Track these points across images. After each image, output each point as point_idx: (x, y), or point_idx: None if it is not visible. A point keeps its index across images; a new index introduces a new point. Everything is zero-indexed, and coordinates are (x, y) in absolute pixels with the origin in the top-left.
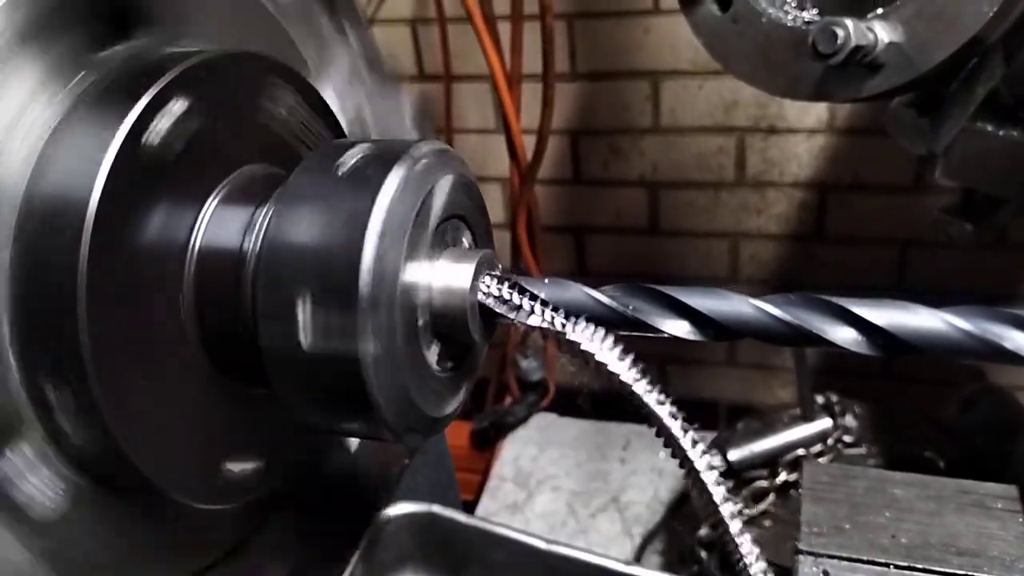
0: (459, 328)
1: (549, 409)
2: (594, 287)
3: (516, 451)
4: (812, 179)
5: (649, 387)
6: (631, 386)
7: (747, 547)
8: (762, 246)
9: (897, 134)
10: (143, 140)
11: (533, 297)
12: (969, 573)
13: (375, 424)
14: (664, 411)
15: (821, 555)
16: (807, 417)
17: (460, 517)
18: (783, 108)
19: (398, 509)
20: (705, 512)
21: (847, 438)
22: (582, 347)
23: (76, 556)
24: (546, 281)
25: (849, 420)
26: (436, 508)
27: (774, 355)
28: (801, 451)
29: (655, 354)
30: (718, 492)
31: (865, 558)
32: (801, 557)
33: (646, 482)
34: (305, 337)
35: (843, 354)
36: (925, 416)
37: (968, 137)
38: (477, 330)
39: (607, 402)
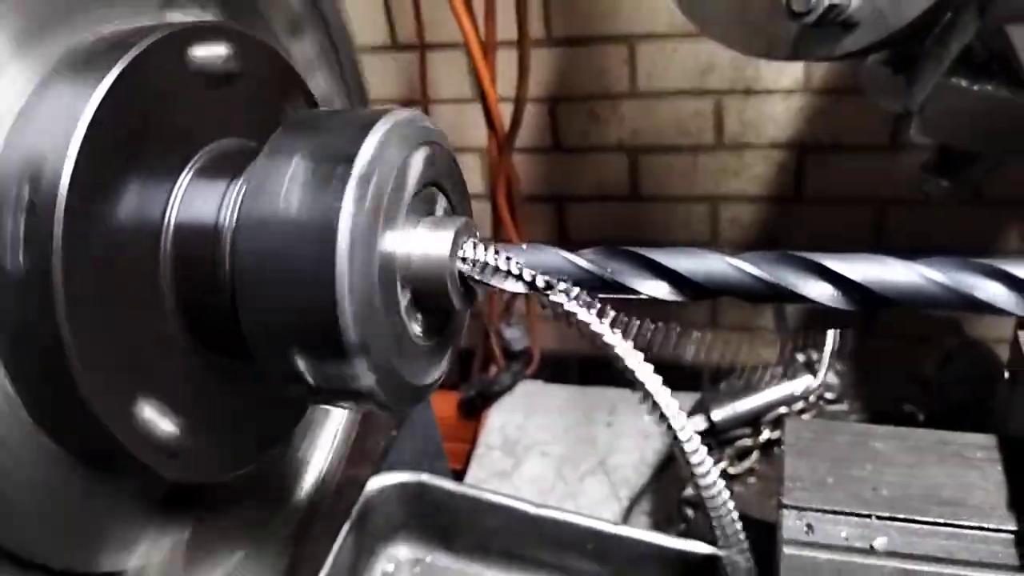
0: (440, 296)
1: (534, 377)
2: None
3: (503, 419)
4: (790, 140)
5: (631, 347)
6: (613, 347)
7: (725, 508)
8: (741, 208)
9: (873, 92)
10: (114, 113)
11: (512, 263)
12: (949, 522)
13: (358, 394)
14: (646, 371)
15: (804, 509)
16: (788, 376)
17: (449, 485)
18: (759, 70)
19: (388, 479)
20: (688, 471)
21: (829, 395)
22: (564, 308)
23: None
24: (524, 247)
25: (830, 377)
26: (425, 477)
27: (755, 316)
28: (783, 409)
29: (636, 317)
30: (696, 452)
31: (848, 510)
32: (785, 511)
33: (632, 445)
34: (284, 311)
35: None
36: (905, 371)
37: (943, 93)
38: (458, 298)
39: (592, 368)
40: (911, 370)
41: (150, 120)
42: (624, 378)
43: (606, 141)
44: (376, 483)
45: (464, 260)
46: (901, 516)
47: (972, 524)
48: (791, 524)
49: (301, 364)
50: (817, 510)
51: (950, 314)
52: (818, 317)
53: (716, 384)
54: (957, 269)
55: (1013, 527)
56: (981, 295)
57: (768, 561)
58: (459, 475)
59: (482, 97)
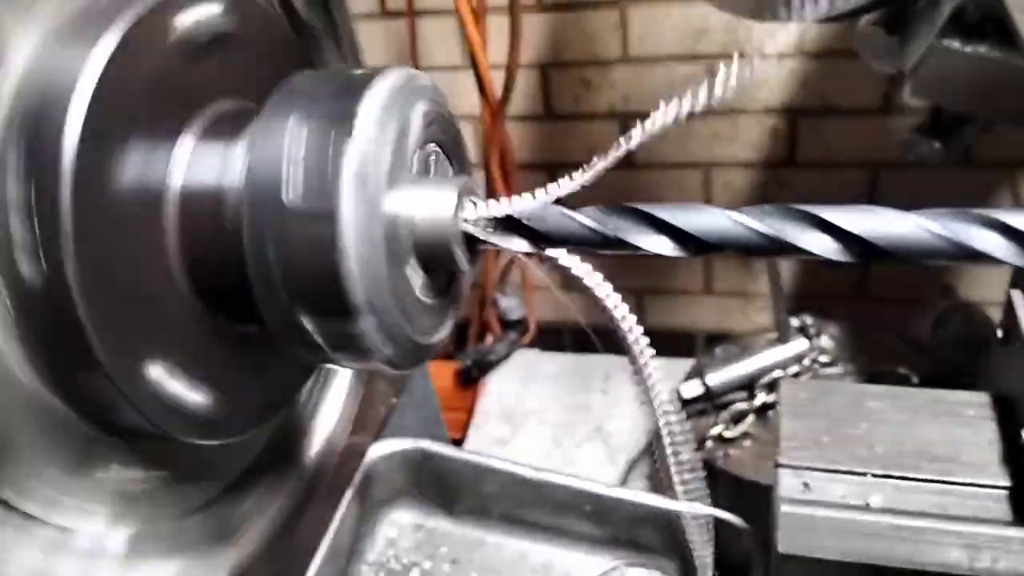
0: (444, 256)
1: (530, 346)
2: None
3: (500, 388)
4: (782, 104)
5: (629, 314)
6: (613, 310)
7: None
8: (735, 174)
9: (866, 53)
10: (116, 77)
11: (516, 222)
12: (943, 478)
13: (366, 353)
14: (639, 335)
15: (801, 468)
16: (783, 340)
17: (450, 451)
18: (752, 33)
19: (389, 446)
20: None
21: (823, 358)
22: (571, 270)
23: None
24: (527, 206)
25: (824, 341)
26: (426, 444)
27: (750, 282)
28: (778, 373)
29: (633, 286)
30: (672, 424)
31: (843, 468)
32: (781, 470)
33: (628, 411)
34: (289, 272)
35: (818, 274)
36: (898, 334)
37: (936, 54)
38: (462, 257)
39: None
40: (905, 332)
41: (149, 82)
42: (619, 346)
43: (598, 107)
44: (377, 450)
45: (468, 221)
46: (895, 473)
47: (965, 480)
48: (788, 483)
49: (309, 324)
50: (813, 469)
51: (943, 275)
52: (813, 281)
53: (711, 349)
54: (955, 220)
55: (1005, 483)
56: (979, 245)
57: (765, 522)
58: (457, 443)
59: (473, 64)
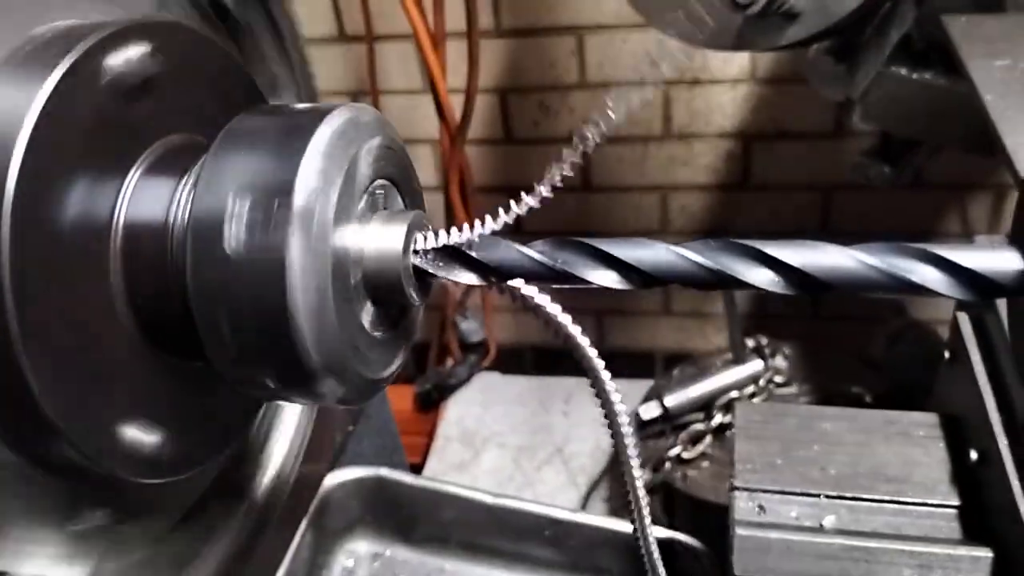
0: (394, 291)
1: (490, 368)
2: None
3: (460, 411)
4: (737, 129)
5: (583, 335)
6: (568, 331)
7: (643, 498)
8: (691, 197)
9: (816, 81)
10: (59, 113)
11: (466, 256)
12: (895, 499)
13: (312, 390)
14: (595, 358)
15: (756, 490)
16: (739, 360)
17: (407, 479)
18: (707, 60)
19: (345, 475)
20: (643, 457)
21: (778, 378)
22: (521, 294)
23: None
24: (477, 239)
25: (779, 361)
26: (383, 471)
27: (707, 303)
28: (735, 393)
29: (593, 307)
30: (631, 444)
31: (798, 491)
32: (736, 493)
33: (589, 433)
34: (237, 309)
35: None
36: (852, 353)
37: (884, 81)
38: (413, 291)
39: (547, 358)
40: (859, 352)
41: (89, 122)
42: (579, 368)
43: (557, 132)
44: (333, 479)
45: (418, 253)
46: (849, 495)
47: (916, 500)
48: (743, 505)
49: (259, 375)
50: (768, 491)
51: (895, 297)
52: (768, 302)
53: (669, 370)
54: (892, 254)
55: (955, 502)
56: (916, 279)
57: (723, 542)
58: (417, 468)
59: (432, 89)
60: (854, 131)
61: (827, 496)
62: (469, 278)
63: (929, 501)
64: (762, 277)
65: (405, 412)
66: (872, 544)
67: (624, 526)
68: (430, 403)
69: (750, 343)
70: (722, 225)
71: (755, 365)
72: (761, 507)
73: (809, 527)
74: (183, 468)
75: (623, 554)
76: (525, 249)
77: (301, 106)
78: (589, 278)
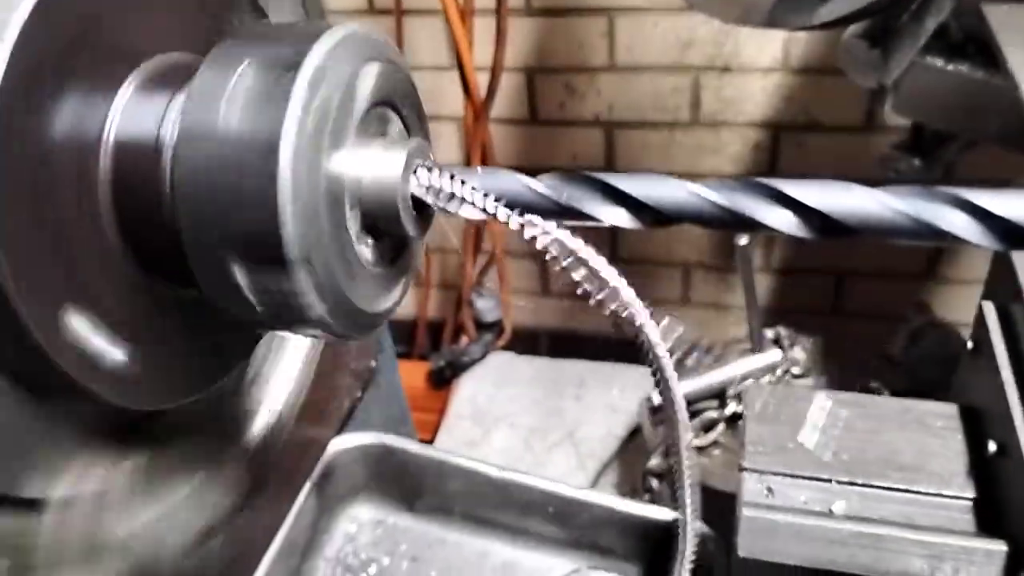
0: (391, 221)
1: (505, 349)
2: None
3: (473, 390)
4: (766, 119)
5: (614, 270)
6: (592, 264)
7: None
8: None
9: (849, 67)
10: (46, 24)
11: (467, 187)
12: (908, 487)
13: (304, 316)
14: (630, 292)
15: (765, 472)
16: (756, 350)
17: (412, 447)
18: (738, 46)
19: (350, 440)
20: (654, 442)
21: (795, 370)
22: (531, 229)
23: None
24: (479, 170)
25: (797, 352)
26: (388, 439)
27: (727, 294)
28: (750, 383)
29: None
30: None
31: (808, 474)
32: (745, 474)
33: (600, 418)
34: (224, 227)
35: (791, 290)
36: (872, 349)
37: (918, 72)
38: (411, 223)
39: (562, 342)
40: (878, 348)
41: (86, 31)
42: (593, 352)
43: (582, 114)
44: (338, 444)
45: (417, 184)
46: (860, 481)
47: (930, 490)
48: (751, 487)
49: (244, 283)
50: (777, 473)
51: (918, 292)
52: (790, 295)
53: (685, 358)
54: (921, 198)
55: (971, 494)
56: (944, 225)
57: (730, 530)
58: (428, 444)
59: (459, 63)
60: (885, 125)
61: (838, 481)
62: (470, 210)
63: (944, 492)
64: (780, 219)
65: (418, 388)
66: (882, 531)
67: (629, 506)
68: (443, 380)
69: (769, 333)
70: None
71: (773, 355)
72: (770, 489)
73: (818, 511)
74: (156, 398)
75: (627, 534)
76: (529, 181)
77: (299, 23)
78: (597, 215)
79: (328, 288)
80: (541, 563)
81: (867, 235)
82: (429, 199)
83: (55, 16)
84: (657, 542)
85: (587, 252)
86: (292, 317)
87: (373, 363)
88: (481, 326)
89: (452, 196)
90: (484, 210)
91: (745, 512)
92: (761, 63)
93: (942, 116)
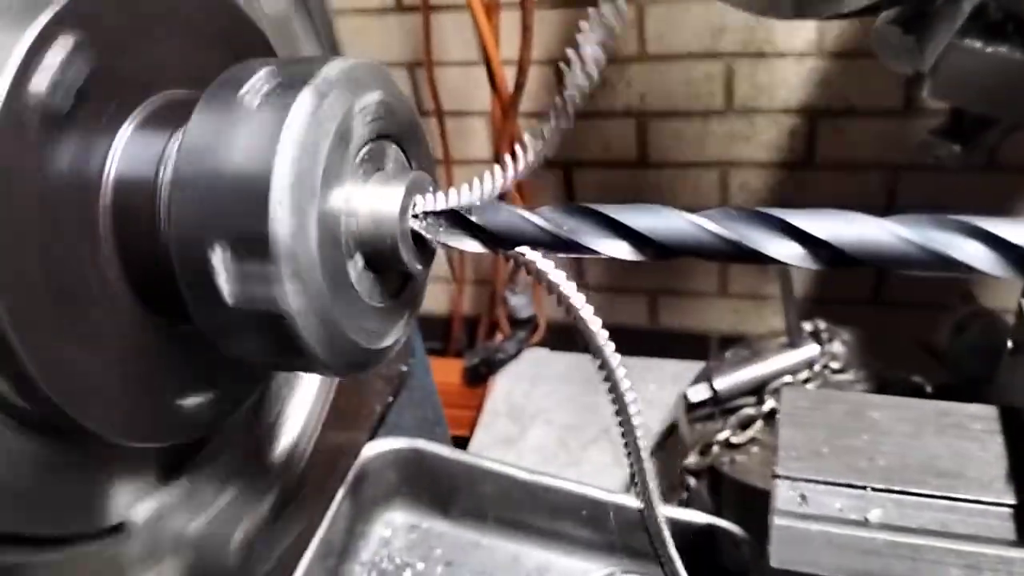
0: (392, 257)
1: (539, 345)
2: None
3: (508, 386)
4: (802, 104)
5: (590, 309)
6: (573, 302)
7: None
8: (752, 174)
9: (883, 53)
10: (34, 77)
11: (466, 222)
12: (946, 494)
13: (308, 362)
14: (602, 334)
15: (798, 479)
16: (794, 344)
17: (445, 452)
18: (772, 32)
19: (383, 445)
20: (690, 440)
21: (834, 364)
22: (528, 263)
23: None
24: (478, 203)
25: (836, 346)
26: (421, 443)
27: (766, 284)
28: (788, 378)
29: (645, 287)
30: (637, 425)
31: (843, 481)
32: (778, 481)
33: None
34: (223, 283)
35: (830, 281)
36: (915, 341)
37: (956, 55)
38: (412, 257)
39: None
40: (922, 340)
41: (90, 68)
42: (627, 345)
43: (614, 105)
44: (371, 449)
45: (416, 218)
46: (897, 488)
47: (969, 497)
48: (784, 494)
49: (246, 337)
50: (811, 480)
51: (964, 281)
52: (830, 286)
53: (723, 352)
54: (931, 227)
55: (1011, 500)
56: (957, 254)
57: (767, 530)
58: (464, 441)
59: (485, 59)
60: (925, 109)
61: (873, 488)
62: (471, 245)
63: (982, 498)
64: (786, 250)
65: (453, 385)
66: (918, 541)
67: (663, 509)
68: (478, 377)
69: (807, 327)
70: (784, 204)
71: (811, 349)
72: (803, 497)
73: (853, 520)
74: (180, 432)
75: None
76: (529, 215)
77: (295, 59)
78: (597, 248)
79: (327, 333)
80: (575, 566)
81: (878, 266)
82: (428, 235)
83: (55, 53)
84: (693, 545)
85: (567, 288)
86: (293, 358)
87: (404, 367)
88: (515, 323)
89: (452, 231)
90: (486, 244)
91: (777, 521)
92: (795, 48)
93: (982, 100)
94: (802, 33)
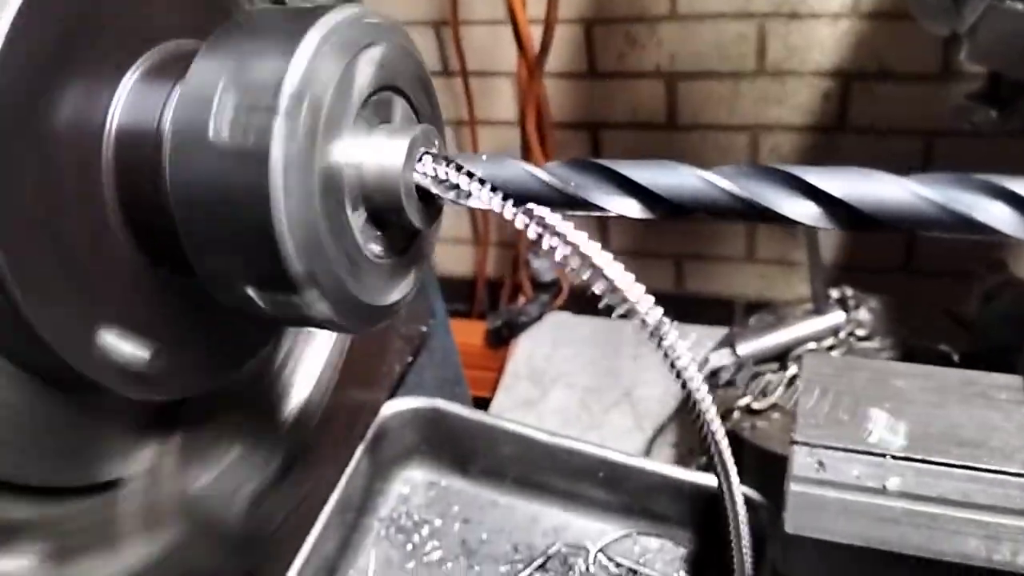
0: (395, 211)
1: (562, 308)
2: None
3: (530, 349)
4: (835, 67)
5: (610, 257)
6: (592, 256)
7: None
8: (783, 138)
9: (920, 14)
10: (47, 9)
11: (470, 175)
12: (968, 464)
13: (312, 318)
14: (626, 278)
15: (816, 446)
16: (819, 311)
17: (464, 412)
18: None
19: (402, 404)
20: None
21: (860, 332)
22: (537, 219)
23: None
24: (484, 158)
25: (863, 314)
26: (439, 403)
27: (794, 250)
28: (812, 345)
29: (670, 251)
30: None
31: (862, 449)
32: (796, 447)
33: (657, 378)
34: (222, 240)
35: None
36: (942, 309)
37: (995, 16)
38: (416, 213)
39: None
40: (949, 308)
41: (89, 17)
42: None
43: (643, 66)
44: (390, 408)
45: (421, 173)
46: (918, 457)
47: (991, 467)
48: (802, 460)
49: (249, 292)
50: (830, 447)
51: (995, 249)
52: (859, 253)
53: (748, 318)
54: (955, 187)
55: None
56: (980, 216)
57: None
58: (486, 403)
59: (512, 17)
60: (963, 73)
61: (894, 456)
62: (476, 201)
63: (1005, 469)
64: (801, 210)
65: (476, 347)
66: (937, 510)
67: (680, 472)
68: (500, 340)
69: (834, 294)
70: None
71: (836, 316)
72: (821, 463)
73: (871, 488)
74: (176, 389)
75: (679, 500)
76: (535, 169)
77: (301, 7)
78: (606, 205)
79: (335, 294)
80: (592, 527)
81: (897, 228)
82: (434, 189)
83: (55, 3)
84: (709, 508)
85: (582, 240)
86: (302, 320)
87: (424, 328)
88: (538, 286)
89: (456, 186)
90: (488, 202)
91: (793, 487)
92: (830, 8)
93: (1021, 64)
94: None
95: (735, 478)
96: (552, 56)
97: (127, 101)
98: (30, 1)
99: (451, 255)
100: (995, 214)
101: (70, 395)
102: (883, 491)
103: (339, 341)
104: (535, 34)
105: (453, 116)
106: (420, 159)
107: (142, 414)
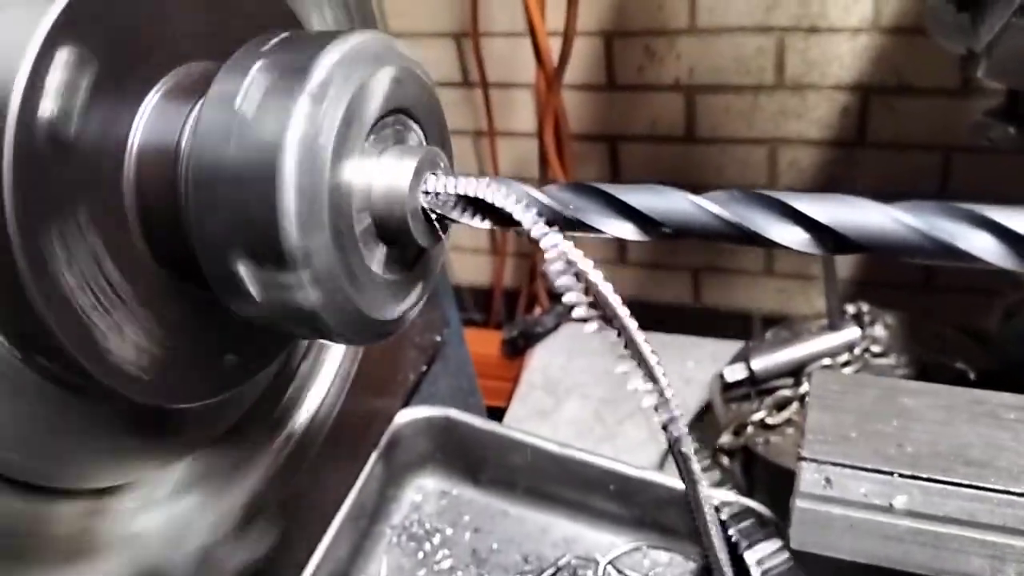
0: (402, 232)
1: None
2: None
3: (545, 359)
4: (854, 81)
5: (610, 287)
6: (593, 279)
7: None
8: (802, 152)
9: (936, 31)
10: (75, 29)
11: (474, 198)
12: (975, 483)
13: (307, 319)
14: (626, 314)
15: (824, 462)
16: (834, 327)
17: (476, 422)
18: (825, 6)
19: (415, 413)
20: (725, 419)
21: (875, 348)
22: (535, 238)
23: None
24: (487, 181)
25: (878, 330)
26: (452, 412)
27: (812, 265)
28: (827, 361)
29: (688, 264)
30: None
31: (869, 466)
32: (803, 463)
33: (673, 390)
34: (231, 231)
35: (875, 263)
36: (960, 326)
37: (1012, 34)
38: (421, 232)
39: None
40: (967, 325)
41: (115, 37)
42: (666, 322)
43: (662, 79)
44: (404, 416)
45: (427, 194)
46: (924, 475)
47: (998, 487)
48: (809, 477)
49: (251, 290)
50: (837, 464)
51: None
52: (877, 268)
53: (765, 332)
54: (938, 215)
55: None
56: (963, 244)
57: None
58: (501, 412)
59: (531, 30)
60: (983, 89)
61: (900, 475)
62: (480, 222)
63: (1012, 489)
64: (789, 235)
65: (492, 357)
66: (942, 529)
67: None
68: (516, 350)
69: (850, 309)
70: (833, 183)
71: (851, 332)
72: (828, 480)
73: (877, 506)
74: (186, 396)
75: (690, 514)
76: (535, 192)
77: (315, 32)
78: (603, 227)
79: (331, 295)
80: (603, 539)
81: (882, 254)
82: (438, 209)
83: (83, 25)
84: (720, 523)
85: (586, 265)
86: (298, 322)
87: (439, 337)
88: (555, 296)
89: (459, 207)
90: (495, 222)
91: (799, 503)
92: (849, 23)
93: None
94: (857, 8)
95: (702, 483)
96: (571, 68)
97: (148, 120)
98: (67, 13)
99: (469, 265)
100: (977, 243)
101: (76, 397)
102: (889, 509)
103: (351, 350)
104: (554, 46)
105: (472, 127)
106: (425, 181)
107: (146, 424)
